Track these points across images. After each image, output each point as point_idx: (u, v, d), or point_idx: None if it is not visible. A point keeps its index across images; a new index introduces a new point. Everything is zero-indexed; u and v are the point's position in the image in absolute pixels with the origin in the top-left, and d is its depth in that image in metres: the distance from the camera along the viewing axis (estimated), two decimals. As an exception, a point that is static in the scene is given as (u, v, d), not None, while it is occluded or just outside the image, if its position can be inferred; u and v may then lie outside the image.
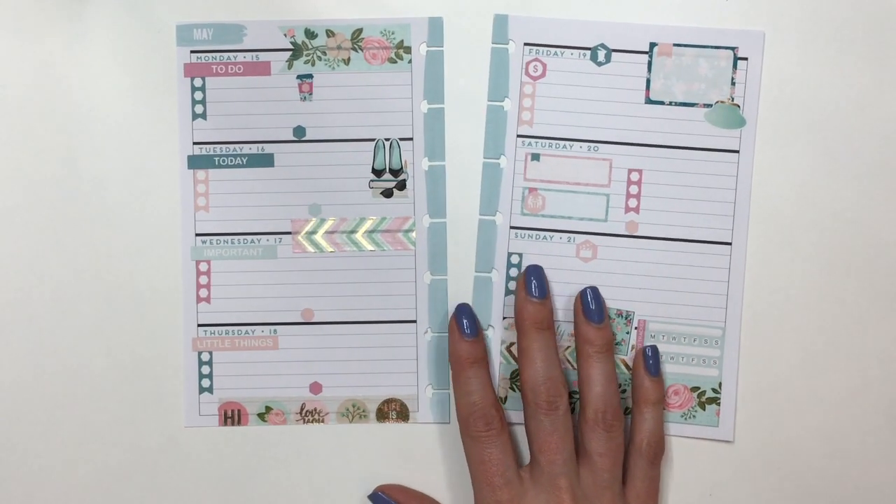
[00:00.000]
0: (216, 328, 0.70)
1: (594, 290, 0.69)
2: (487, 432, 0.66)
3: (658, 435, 0.68)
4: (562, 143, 0.70)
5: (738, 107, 0.70)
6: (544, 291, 0.68)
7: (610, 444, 0.66)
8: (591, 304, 0.68)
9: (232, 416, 0.70)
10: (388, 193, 0.70)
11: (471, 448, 0.66)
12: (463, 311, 0.69)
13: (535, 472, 0.66)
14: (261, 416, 0.70)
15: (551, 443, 0.65)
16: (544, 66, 0.70)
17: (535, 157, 0.70)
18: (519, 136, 0.70)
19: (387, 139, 0.69)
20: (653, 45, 0.70)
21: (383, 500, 0.69)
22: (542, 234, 0.70)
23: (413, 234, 0.70)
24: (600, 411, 0.66)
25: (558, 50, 0.70)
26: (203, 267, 0.70)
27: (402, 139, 0.69)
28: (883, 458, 0.70)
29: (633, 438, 0.68)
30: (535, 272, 0.68)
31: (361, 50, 0.69)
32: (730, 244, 0.70)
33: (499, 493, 0.65)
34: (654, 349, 0.69)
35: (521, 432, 0.70)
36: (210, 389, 0.70)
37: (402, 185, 0.70)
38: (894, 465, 0.70)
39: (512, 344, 0.70)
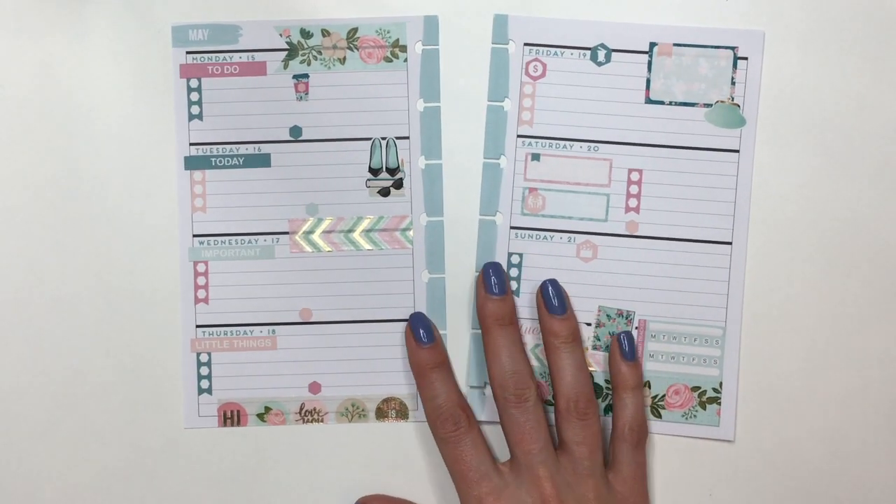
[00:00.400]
0: (214, 329, 0.70)
1: (554, 282, 0.69)
2: (456, 431, 0.66)
3: (639, 419, 0.68)
4: (562, 143, 0.70)
5: (738, 106, 0.70)
6: (504, 288, 0.68)
7: (586, 431, 0.66)
8: (553, 299, 0.69)
9: (231, 416, 0.70)
10: (385, 192, 0.69)
11: (444, 449, 0.67)
12: (417, 319, 0.69)
13: (514, 465, 0.66)
14: (260, 416, 0.70)
15: (524, 434, 0.66)
16: (544, 66, 0.70)
17: (536, 157, 0.70)
18: (519, 136, 0.70)
19: (383, 138, 0.69)
20: (653, 44, 0.70)
21: None
22: (542, 234, 0.70)
23: (410, 233, 0.70)
24: (572, 401, 0.67)
25: (558, 50, 0.70)
26: (201, 268, 0.70)
27: (398, 138, 0.69)
28: (883, 458, 0.70)
29: (615, 425, 0.68)
30: (494, 269, 0.69)
31: (357, 49, 0.69)
32: (730, 244, 0.70)
33: (476, 487, 0.65)
34: (629, 335, 0.69)
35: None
36: (209, 390, 0.70)
37: (398, 184, 0.69)
38: (894, 465, 0.70)
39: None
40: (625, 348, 0.69)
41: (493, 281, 0.68)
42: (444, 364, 0.69)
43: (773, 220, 0.69)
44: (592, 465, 0.66)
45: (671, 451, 0.69)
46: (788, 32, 0.69)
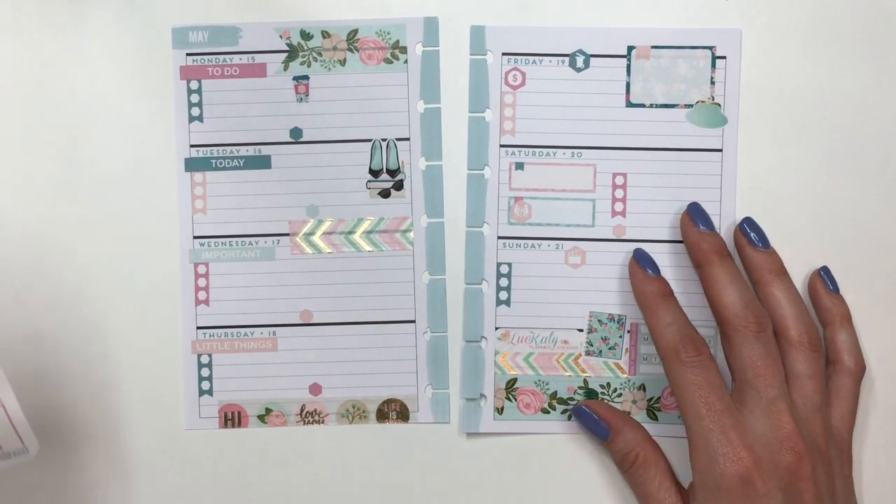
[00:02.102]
0: (215, 330, 0.71)
1: (750, 219, 0.70)
2: (699, 357, 0.65)
3: (860, 352, 0.69)
4: (545, 150, 0.71)
5: (719, 105, 0.71)
6: (712, 225, 0.69)
7: (817, 364, 0.66)
8: (753, 234, 0.69)
9: (232, 418, 0.71)
10: (385, 194, 0.71)
11: (685, 374, 0.65)
12: (641, 254, 0.70)
13: (750, 397, 0.64)
14: (261, 417, 0.71)
15: (767, 366, 0.64)
16: (523, 74, 0.71)
17: (520, 165, 0.71)
18: (502, 145, 0.71)
19: (383, 139, 0.71)
20: (630, 48, 0.71)
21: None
22: (529, 242, 0.71)
23: (411, 234, 0.71)
24: (804, 332, 0.66)
25: (537, 58, 0.71)
26: (201, 269, 0.71)
27: (398, 139, 0.71)
28: (883, 458, 0.72)
29: (838, 358, 0.69)
30: (699, 208, 0.70)
31: (357, 51, 0.70)
32: (718, 243, 0.71)
33: (720, 418, 0.63)
34: (827, 269, 0.71)
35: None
36: (210, 392, 0.71)
37: (399, 186, 0.71)
38: (894, 465, 0.71)
39: (506, 354, 0.71)
40: (828, 285, 0.70)
41: (701, 219, 0.69)
42: (673, 295, 0.68)
43: (759, 215, 0.70)
44: (821, 400, 0.65)
45: (668, 452, 0.70)
46: (765, 29, 0.71)
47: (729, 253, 0.68)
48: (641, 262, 0.69)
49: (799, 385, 0.65)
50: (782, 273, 0.68)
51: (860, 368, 0.68)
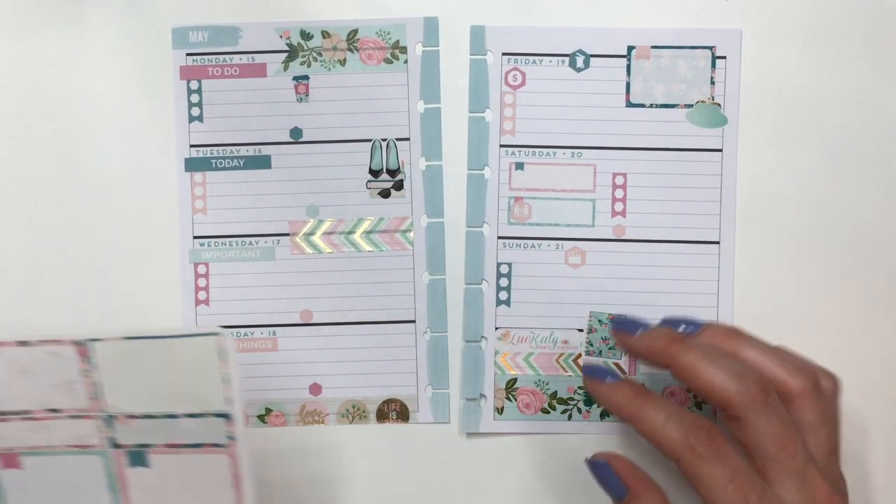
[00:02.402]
0: (215, 331, 0.70)
1: (645, 322, 0.65)
2: (715, 443, 0.58)
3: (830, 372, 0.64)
4: (545, 150, 0.71)
5: (719, 105, 0.71)
6: (645, 323, 0.65)
7: (823, 405, 0.60)
8: (681, 326, 0.64)
9: (232, 418, 0.70)
10: (385, 194, 0.71)
11: (709, 470, 0.58)
12: (590, 369, 0.65)
13: (777, 473, 0.58)
14: (261, 417, 0.71)
15: (787, 436, 0.58)
16: (523, 74, 0.71)
17: (520, 165, 0.71)
18: (502, 145, 0.71)
19: (384, 139, 0.71)
20: (630, 48, 0.72)
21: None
22: (530, 242, 0.71)
23: (411, 234, 0.71)
24: (803, 378, 0.60)
25: (537, 58, 0.71)
26: (201, 269, 0.71)
27: (398, 139, 0.71)
28: (883, 458, 0.72)
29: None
30: (623, 320, 0.66)
31: (357, 50, 0.71)
32: (718, 243, 0.71)
33: None
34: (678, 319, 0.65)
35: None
36: (210, 392, 0.70)
37: (399, 186, 0.71)
38: (894, 464, 0.72)
39: (506, 354, 0.71)
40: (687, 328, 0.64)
41: (631, 327, 0.65)
42: (649, 390, 0.63)
43: (760, 216, 0.71)
44: (835, 443, 0.61)
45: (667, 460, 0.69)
46: (765, 29, 0.71)
47: (683, 337, 0.62)
48: (598, 376, 0.64)
49: (813, 435, 0.60)
50: (736, 332, 0.63)
51: (838, 387, 0.64)
